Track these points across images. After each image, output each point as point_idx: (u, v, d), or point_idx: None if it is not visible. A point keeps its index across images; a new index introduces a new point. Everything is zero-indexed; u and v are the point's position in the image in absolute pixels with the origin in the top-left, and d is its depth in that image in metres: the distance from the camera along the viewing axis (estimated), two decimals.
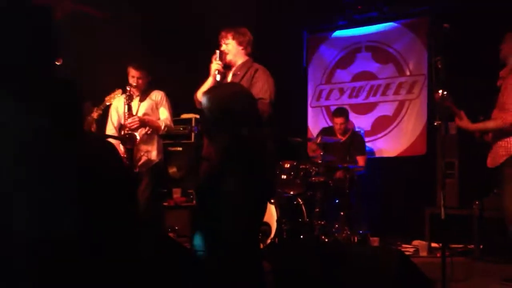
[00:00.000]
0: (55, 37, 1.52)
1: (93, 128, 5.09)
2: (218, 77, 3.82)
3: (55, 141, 1.40)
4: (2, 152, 1.30)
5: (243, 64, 3.93)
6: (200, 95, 3.86)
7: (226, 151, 2.09)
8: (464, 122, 3.87)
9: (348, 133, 6.05)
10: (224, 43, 3.92)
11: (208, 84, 3.87)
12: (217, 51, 3.85)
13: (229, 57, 3.91)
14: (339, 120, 5.97)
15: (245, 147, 2.07)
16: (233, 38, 3.91)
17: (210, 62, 3.87)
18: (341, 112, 6.04)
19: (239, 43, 3.93)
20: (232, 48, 3.92)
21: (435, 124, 3.41)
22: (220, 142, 2.11)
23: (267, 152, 2.15)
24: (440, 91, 3.48)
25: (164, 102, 4.71)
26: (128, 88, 4.51)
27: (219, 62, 3.82)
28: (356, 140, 6.03)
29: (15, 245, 1.30)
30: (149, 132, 4.59)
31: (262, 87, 3.75)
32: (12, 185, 1.30)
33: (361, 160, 5.94)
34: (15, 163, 1.31)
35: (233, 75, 3.93)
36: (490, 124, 3.78)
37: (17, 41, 1.43)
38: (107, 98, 4.80)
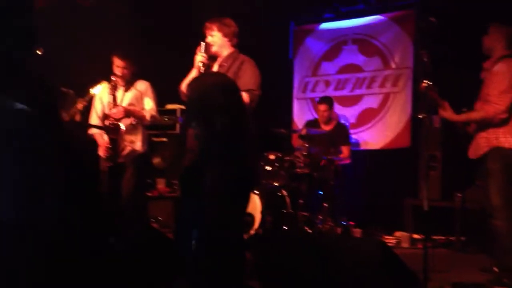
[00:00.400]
0: (34, 25, 1.51)
1: (77, 118, 5.05)
2: (202, 69, 3.79)
3: (35, 127, 1.40)
4: None
5: (229, 55, 3.91)
6: (185, 87, 3.85)
7: (206, 142, 2.07)
8: (448, 113, 3.90)
9: (332, 123, 6.08)
10: (210, 35, 3.89)
11: (192, 76, 3.84)
12: (202, 43, 3.82)
13: (214, 49, 3.88)
14: (322, 107, 6.03)
15: (225, 137, 2.06)
16: (219, 30, 3.88)
17: (195, 53, 3.85)
18: (325, 99, 6.11)
19: (225, 35, 3.91)
20: (217, 40, 3.89)
21: (420, 117, 3.43)
22: (201, 132, 2.10)
23: (250, 141, 2.14)
24: (425, 82, 3.50)
25: (149, 92, 4.67)
26: (112, 78, 4.47)
27: (204, 54, 3.78)
28: (340, 131, 6.06)
29: None
30: (134, 122, 4.56)
31: (250, 78, 3.74)
32: None
33: (345, 150, 5.96)
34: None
35: (219, 66, 3.91)
36: (473, 115, 3.82)
37: None
38: (91, 90, 4.75)
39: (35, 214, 1.34)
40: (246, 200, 2.17)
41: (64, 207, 1.46)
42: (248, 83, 3.69)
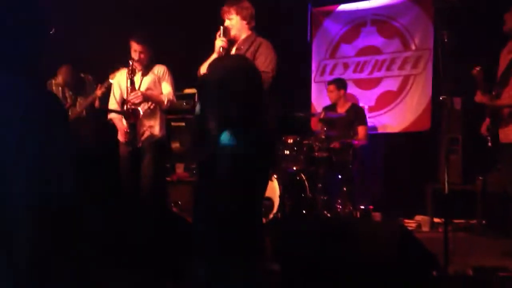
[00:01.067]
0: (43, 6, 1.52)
1: (97, 104, 5.08)
2: (222, 53, 3.79)
3: (51, 111, 1.41)
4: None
5: (247, 38, 3.90)
6: (203, 71, 3.85)
7: (219, 128, 2.05)
8: (486, 98, 3.80)
9: (346, 105, 6.03)
10: (228, 18, 3.88)
11: (211, 60, 3.83)
12: (221, 27, 3.82)
13: (233, 32, 3.88)
14: (329, 88, 6.07)
15: (240, 125, 2.04)
16: (237, 13, 3.87)
17: (214, 38, 3.84)
18: (334, 80, 6.14)
19: (243, 18, 3.90)
20: (235, 23, 3.88)
21: (441, 99, 3.38)
22: (216, 118, 2.08)
23: (267, 128, 2.12)
24: (477, 67, 3.44)
25: (167, 76, 4.67)
26: (130, 63, 4.47)
27: (223, 39, 3.79)
28: (356, 112, 6.00)
29: (13, 213, 1.31)
30: (151, 107, 4.57)
31: (265, 60, 3.74)
32: (11, 153, 1.31)
33: (361, 131, 5.87)
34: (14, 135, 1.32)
35: (237, 49, 3.91)
36: None
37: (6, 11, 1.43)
38: (111, 76, 4.77)
39: (53, 200, 1.36)
40: (262, 186, 2.14)
41: (81, 193, 1.48)
42: (262, 65, 3.68)
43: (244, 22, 3.91)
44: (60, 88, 5.31)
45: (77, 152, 1.44)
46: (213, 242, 2.01)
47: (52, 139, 1.38)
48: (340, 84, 6.05)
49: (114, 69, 4.76)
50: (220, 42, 3.77)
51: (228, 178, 1.99)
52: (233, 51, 3.91)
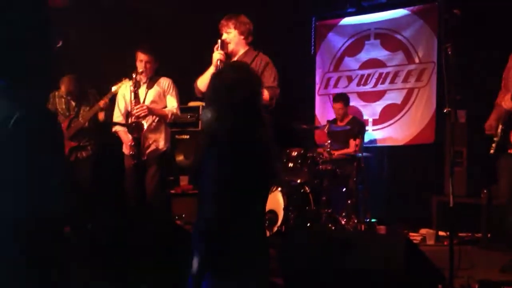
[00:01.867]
0: (50, 18, 1.52)
1: (101, 116, 5.07)
2: (220, 67, 3.80)
3: (46, 117, 1.42)
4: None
5: (245, 53, 3.91)
6: (201, 84, 3.88)
7: (213, 134, 2.06)
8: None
9: (347, 118, 6.03)
10: (226, 32, 3.88)
11: (208, 72, 3.85)
12: (219, 40, 3.82)
13: (231, 47, 3.88)
14: (337, 105, 6.03)
15: (235, 134, 2.04)
16: (235, 28, 3.87)
17: (212, 51, 3.85)
18: (340, 97, 6.10)
19: (241, 33, 3.90)
20: (233, 37, 3.88)
21: (445, 111, 3.37)
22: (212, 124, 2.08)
23: (265, 141, 2.10)
24: None
25: (172, 89, 4.68)
26: (133, 75, 4.48)
27: (221, 52, 3.79)
28: (355, 125, 5.99)
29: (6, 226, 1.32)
30: (156, 120, 4.58)
31: (270, 76, 3.78)
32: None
33: (352, 143, 5.85)
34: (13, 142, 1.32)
35: None
36: None
37: (14, 19, 1.44)
38: (113, 88, 4.76)
39: (45, 211, 1.36)
40: (259, 198, 2.12)
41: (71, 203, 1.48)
42: (269, 80, 3.70)
43: (242, 37, 3.91)
44: (62, 99, 5.30)
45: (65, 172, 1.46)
46: (206, 257, 2.00)
47: (43, 156, 1.38)
48: (347, 101, 6.08)
49: (117, 81, 4.77)
50: (217, 55, 3.77)
51: (217, 189, 1.99)
52: None
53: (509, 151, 3.77)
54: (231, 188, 1.98)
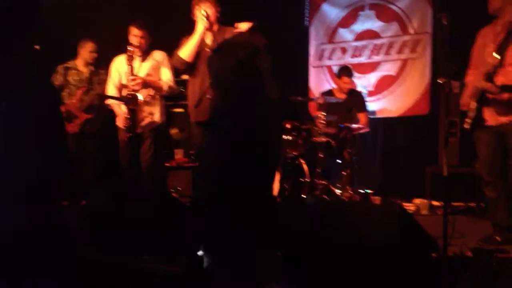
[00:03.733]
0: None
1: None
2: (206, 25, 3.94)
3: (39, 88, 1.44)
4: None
5: (219, 29, 4.04)
6: (185, 54, 3.91)
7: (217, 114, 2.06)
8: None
9: (346, 91, 6.03)
10: (204, 8, 3.96)
11: (193, 43, 3.90)
12: (203, 12, 3.89)
13: (211, 22, 3.97)
14: (345, 79, 5.96)
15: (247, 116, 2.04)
16: (214, 5, 3.99)
17: (194, 20, 3.91)
18: (346, 71, 6.04)
19: (217, 11, 4.04)
20: (212, 13, 3.99)
21: (439, 82, 3.37)
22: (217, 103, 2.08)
23: (271, 120, 2.11)
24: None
25: (166, 62, 4.65)
26: (129, 48, 4.45)
27: (207, 21, 3.87)
28: (356, 98, 6.01)
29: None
30: (152, 93, 4.57)
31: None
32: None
33: (363, 118, 5.91)
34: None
35: (213, 40, 4.00)
36: None
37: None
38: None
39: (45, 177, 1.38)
40: (263, 178, 2.12)
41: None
42: None
43: (218, 15, 4.04)
44: (74, 71, 5.33)
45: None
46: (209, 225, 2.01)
47: (41, 121, 1.40)
48: (352, 73, 6.06)
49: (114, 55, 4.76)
50: (203, 24, 3.85)
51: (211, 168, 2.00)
52: (208, 41, 4.02)
53: (483, 124, 3.86)
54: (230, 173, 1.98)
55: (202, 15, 3.91)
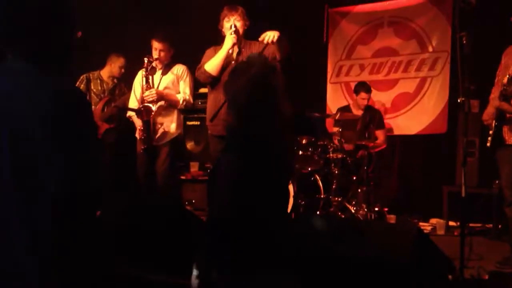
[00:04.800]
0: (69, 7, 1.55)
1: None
2: (233, 49, 3.92)
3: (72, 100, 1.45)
4: (28, 114, 1.35)
5: (244, 43, 4.02)
6: (211, 68, 3.91)
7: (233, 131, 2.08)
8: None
9: (364, 108, 6.00)
10: (235, 21, 3.94)
11: (220, 57, 3.88)
12: (233, 26, 3.87)
13: (239, 35, 3.97)
14: (363, 95, 5.93)
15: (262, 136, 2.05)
16: (242, 19, 3.97)
17: (222, 34, 3.92)
18: (364, 87, 6.01)
19: (245, 25, 4.02)
20: (241, 26, 4.00)
21: (458, 101, 3.34)
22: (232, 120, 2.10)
23: (284, 139, 2.12)
24: None
25: (185, 76, 4.67)
26: (145, 61, 4.48)
27: (235, 36, 3.85)
28: (373, 115, 5.98)
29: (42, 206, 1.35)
30: (165, 105, 4.58)
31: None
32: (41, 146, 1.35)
33: (380, 135, 5.88)
34: (41, 125, 1.35)
35: (239, 53, 4.00)
36: None
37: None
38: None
39: (84, 189, 1.40)
40: (274, 193, 2.12)
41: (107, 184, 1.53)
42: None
43: (245, 28, 4.02)
44: (98, 80, 5.44)
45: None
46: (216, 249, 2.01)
47: (76, 131, 1.41)
48: (369, 89, 6.02)
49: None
50: (231, 39, 3.84)
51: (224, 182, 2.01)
52: (234, 55, 3.99)
53: (504, 143, 3.83)
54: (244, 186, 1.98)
55: (231, 28, 3.89)
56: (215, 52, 3.98)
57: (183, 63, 4.74)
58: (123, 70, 5.46)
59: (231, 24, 3.89)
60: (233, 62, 3.93)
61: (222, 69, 3.92)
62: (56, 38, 1.50)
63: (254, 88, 2.09)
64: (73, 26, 1.57)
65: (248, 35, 4.09)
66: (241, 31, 3.96)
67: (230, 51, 3.93)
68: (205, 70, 3.96)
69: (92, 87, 5.39)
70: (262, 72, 2.13)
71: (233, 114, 2.11)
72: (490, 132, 3.90)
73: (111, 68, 5.44)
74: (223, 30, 4.01)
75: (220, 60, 3.91)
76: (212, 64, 3.93)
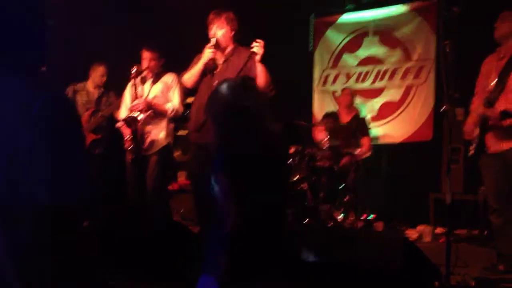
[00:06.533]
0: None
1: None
2: (210, 64, 3.88)
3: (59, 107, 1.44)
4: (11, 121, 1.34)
5: (233, 49, 3.96)
6: (188, 80, 3.91)
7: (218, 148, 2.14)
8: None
9: (350, 115, 6.05)
10: (218, 28, 3.90)
11: (196, 70, 3.88)
12: (212, 39, 3.85)
13: (223, 44, 3.92)
14: (347, 91, 6.09)
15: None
16: (227, 23, 3.91)
17: (202, 48, 3.88)
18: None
19: (232, 29, 3.95)
20: (225, 33, 3.92)
21: (443, 109, 3.38)
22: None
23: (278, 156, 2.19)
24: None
25: (175, 85, 4.64)
26: (134, 70, 4.47)
27: (213, 50, 3.83)
28: (360, 123, 6.02)
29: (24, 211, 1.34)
30: (153, 114, 4.56)
31: (264, 79, 3.79)
32: (24, 152, 1.34)
33: (365, 142, 5.90)
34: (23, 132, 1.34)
35: (225, 61, 3.94)
36: None
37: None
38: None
39: (70, 199, 1.39)
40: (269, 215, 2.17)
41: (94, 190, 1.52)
42: (259, 82, 3.75)
43: (232, 33, 3.95)
44: (83, 92, 5.42)
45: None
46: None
47: (64, 139, 1.40)
48: (354, 90, 6.14)
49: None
50: (209, 54, 3.81)
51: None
52: (220, 61, 3.95)
53: (487, 151, 3.84)
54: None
55: (211, 41, 3.88)
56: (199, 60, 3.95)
57: (174, 71, 4.72)
58: (104, 78, 5.45)
59: (212, 34, 3.88)
60: (217, 69, 3.91)
61: (199, 80, 3.90)
62: (36, 45, 1.50)
63: (232, 110, 2.18)
64: (50, 32, 1.58)
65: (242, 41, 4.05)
66: (224, 38, 3.93)
67: (213, 57, 3.90)
68: (183, 80, 3.99)
69: (78, 99, 5.38)
70: (240, 94, 2.23)
71: (215, 133, 2.18)
72: (474, 141, 3.93)
73: (94, 78, 5.45)
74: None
75: (196, 73, 3.88)
76: (189, 75, 3.94)
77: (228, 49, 3.95)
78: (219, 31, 3.89)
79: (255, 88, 2.38)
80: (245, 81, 2.46)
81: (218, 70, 3.91)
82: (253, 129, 2.17)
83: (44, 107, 1.37)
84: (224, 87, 2.31)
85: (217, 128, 2.21)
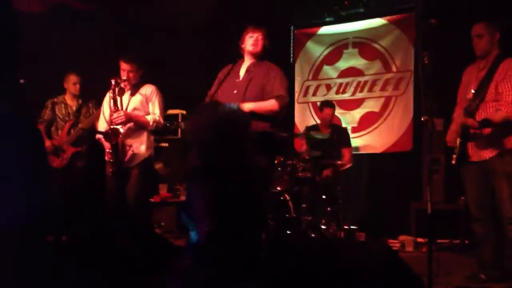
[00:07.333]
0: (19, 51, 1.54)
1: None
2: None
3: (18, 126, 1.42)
4: None
5: (254, 63, 4.09)
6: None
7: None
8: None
9: (330, 127, 6.08)
10: (259, 38, 4.06)
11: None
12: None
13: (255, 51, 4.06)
14: (328, 111, 6.03)
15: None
16: (263, 38, 4.00)
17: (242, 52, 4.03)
18: (329, 103, 6.14)
19: (264, 43, 4.12)
20: (259, 44, 4.07)
21: (422, 119, 3.41)
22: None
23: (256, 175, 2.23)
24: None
25: (154, 97, 4.61)
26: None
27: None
28: (340, 133, 6.06)
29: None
30: (134, 127, 4.52)
31: (280, 84, 3.90)
32: None
33: (347, 153, 5.95)
34: None
35: (247, 71, 4.05)
36: (496, 117, 3.73)
37: None
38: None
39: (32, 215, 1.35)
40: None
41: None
42: (278, 89, 3.79)
43: (260, 49, 4.11)
44: (62, 105, 5.38)
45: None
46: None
47: (21, 160, 1.37)
48: (333, 105, 6.13)
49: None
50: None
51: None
52: (242, 72, 4.06)
53: (469, 160, 3.88)
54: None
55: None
56: (228, 70, 4.03)
57: (152, 83, 4.69)
58: (78, 86, 5.40)
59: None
60: (240, 78, 4.03)
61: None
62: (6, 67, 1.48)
63: (219, 125, 2.23)
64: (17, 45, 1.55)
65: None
66: (260, 48, 4.07)
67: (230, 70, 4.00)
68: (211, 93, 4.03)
69: (57, 112, 5.34)
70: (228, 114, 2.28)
71: (197, 151, 2.22)
72: (455, 150, 3.97)
73: (69, 88, 5.41)
74: (242, 46, 4.08)
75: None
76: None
77: (248, 63, 4.09)
78: (259, 39, 4.09)
79: (243, 118, 2.43)
80: (236, 110, 2.53)
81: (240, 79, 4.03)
82: (234, 148, 2.22)
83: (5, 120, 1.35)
84: (205, 105, 2.39)
85: (199, 147, 2.24)
